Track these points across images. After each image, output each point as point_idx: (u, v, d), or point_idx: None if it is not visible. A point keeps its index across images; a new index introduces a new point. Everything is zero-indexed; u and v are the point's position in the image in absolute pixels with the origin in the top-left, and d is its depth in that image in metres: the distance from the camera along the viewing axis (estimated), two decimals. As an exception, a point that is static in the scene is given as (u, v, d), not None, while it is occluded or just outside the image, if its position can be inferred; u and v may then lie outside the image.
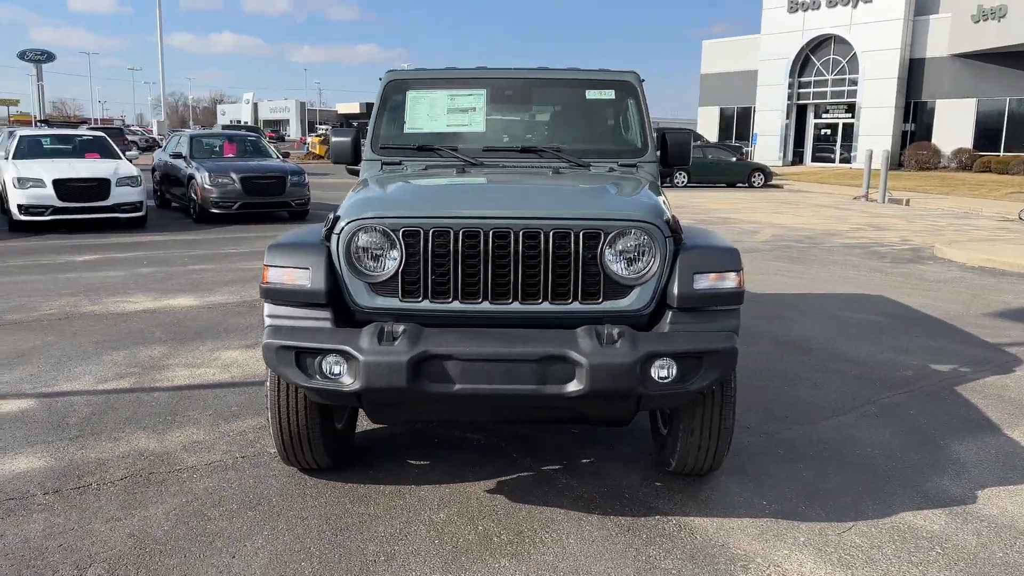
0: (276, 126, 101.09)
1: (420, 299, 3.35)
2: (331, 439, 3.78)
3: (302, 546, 3.22)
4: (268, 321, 3.41)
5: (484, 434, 4.40)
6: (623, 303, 3.37)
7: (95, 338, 6.42)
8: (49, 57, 65.08)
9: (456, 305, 3.35)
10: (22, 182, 12.91)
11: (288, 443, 3.68)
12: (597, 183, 3.99)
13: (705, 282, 3.38)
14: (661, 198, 3.97)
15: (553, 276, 3.33)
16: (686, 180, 27.60)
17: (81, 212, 13.16)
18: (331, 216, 3.51)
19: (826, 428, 4.62)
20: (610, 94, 4.95)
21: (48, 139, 15.23)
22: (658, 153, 4.85)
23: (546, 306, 3.35)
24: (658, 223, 3.39)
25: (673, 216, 3.53)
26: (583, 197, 3.78)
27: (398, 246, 3.33)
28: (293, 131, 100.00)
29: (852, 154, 39.08)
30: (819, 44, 40.79)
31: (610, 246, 3.33)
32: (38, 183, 12.92)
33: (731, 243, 3.64)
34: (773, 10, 41.92)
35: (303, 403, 3.56)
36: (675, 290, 3.34)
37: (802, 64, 41.70)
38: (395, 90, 4.94)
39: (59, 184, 12.95)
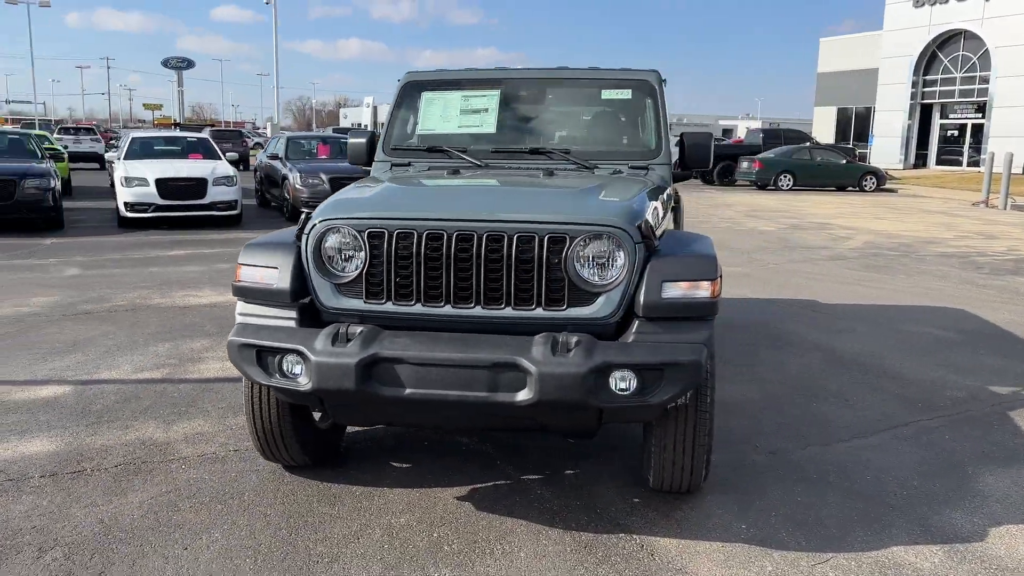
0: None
1: (383, 301, 3.34)
2: (309, 437, 3.82)
3: (253, 543, 3.26)
4: (238, 319, 3.47)
5: (475, 440, 4.34)
6: (587, 310, 3.25)
7: (151, 329, 6.75)
8: (189, 64, 69.31)
9: (418, 308, 3.31)
10: (128, 181, 13.79)
11: (263, 439, 3.74)
12: (582, 185, 3.86)
13: (675, 291, 3.21)
14: (654, 203, 3.81)
15: (516, 281, 3.24)
16: (791, 183, 26.53)
17: (180, 209, 13.92)
18: (303, 216, 3.54)
19: (842, 450, 4.31)
20: (627, 94, 4.81)
21: (156, 141, 16.20)
22: (673, 156, 4.69)
23: (508, 311, 3.26)
24: (627, 228, 3.24)
25: (647, 221, 3.37)
26: (553, 200, 3.66)
27: (363, 247, 3.32)
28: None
29: (981, 157, 36.52)
30: (947, 40, 38.35)
31: (575, 251, 3.22)
32: (142, 182, 13.76)
33: (710, 251, 3.44)
34: (897, 5, 39.72)
35: (275, 401, 3.61)
36: (641, 298, 3.20)
37: (928, 61, 39.36)
38: (411, 91, 4.97)
39: (160, 183, 13.74)
